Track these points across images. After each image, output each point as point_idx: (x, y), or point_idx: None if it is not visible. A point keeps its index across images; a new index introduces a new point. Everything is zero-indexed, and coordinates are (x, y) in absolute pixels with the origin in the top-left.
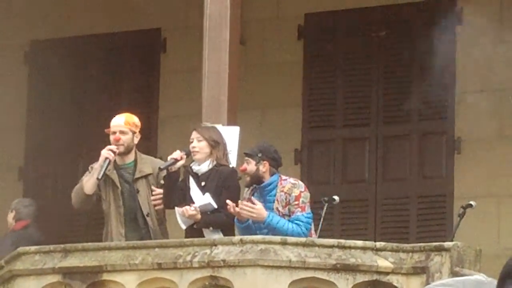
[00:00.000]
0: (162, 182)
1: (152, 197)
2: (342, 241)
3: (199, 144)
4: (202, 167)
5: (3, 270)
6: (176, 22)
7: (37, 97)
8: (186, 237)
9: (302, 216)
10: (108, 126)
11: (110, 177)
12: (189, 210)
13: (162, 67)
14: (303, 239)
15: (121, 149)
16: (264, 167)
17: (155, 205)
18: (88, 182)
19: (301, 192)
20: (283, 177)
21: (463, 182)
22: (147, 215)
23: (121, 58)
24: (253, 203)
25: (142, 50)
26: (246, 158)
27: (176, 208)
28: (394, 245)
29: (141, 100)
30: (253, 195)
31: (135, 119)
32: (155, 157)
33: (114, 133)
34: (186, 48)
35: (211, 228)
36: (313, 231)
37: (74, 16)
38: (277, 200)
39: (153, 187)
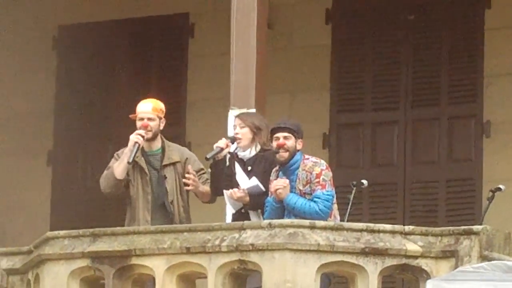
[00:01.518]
0: (209, 170)
1: (187, 177)
2: (371, 225)
3: (242, 131)
4: (247, 153)
5: (32, 255)
6: (204, 6)
7: (66, 82)
8: (233, 221)
9: (321, 194)
10: (134, 112)
11: (139, 163)
12: (237, 192)
13: (190, 52)
14: (331, 223)
15: (149, 135)
16: (299, 145)
17: (186, 184)
18: (119, 167)
19: (322, 170)
20: (306, 156)
21: (492, 165)
22: (171, 202)
23: (149, 43)
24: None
25: (170, 35)
26: (285, 133)
27: (224, 191)
28: (423, 229)
29: (169, 85)
30: (278, 174)
31: (161, 105)
32: (184, 141)
33: (142, 119)
34: (214, 33)
35: (259, 211)
36: (336, 212)
37: (102, 0)
38: (299, 178)
39: (189, 168)
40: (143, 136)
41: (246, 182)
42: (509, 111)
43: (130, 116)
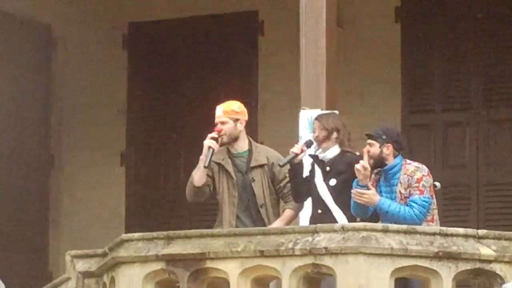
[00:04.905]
0: (287, 176)
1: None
2: (444, 228)
3: (321, 133)
4: (327, 154)
5: (107, 258)
6: (273, 4)
7: (137, 81)
8: (311, 223)
9: (418, 199)
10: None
11: (224, 167)
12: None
13: (260, 50)
14: (404, 227)
15: (225, 138)
16: (388, 150)
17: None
18: (196, 174)
19: (423, 175)
20: (408, 161)
21: None
22: (261, 206)
23: (219, 41)
24: (369, 188)
25: (240, 33)
26: (369, 140)
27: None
28: (496, 233)
29: (239, 83)
30: (379, 179)
31: (233, 107)
32: (256, 141)
33: (216, 123)
34: (283, 31)
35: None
36: (435, 218)
37: None
38: (400, 182)
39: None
40: (216, 139)
41: (323, 186)
42: None
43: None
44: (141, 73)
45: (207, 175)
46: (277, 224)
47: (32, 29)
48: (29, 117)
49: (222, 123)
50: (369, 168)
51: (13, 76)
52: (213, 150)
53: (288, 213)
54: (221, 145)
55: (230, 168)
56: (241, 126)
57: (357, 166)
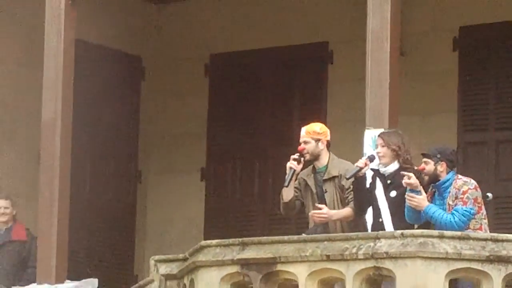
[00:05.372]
0: (351, 187)
1: (314, 213)
2: (495, 234)
3: (383, 150)
4: (388, 168)
5: (187, 262)
6: (342, 35)
7: (217, 106)
8: (372, 230)
9: (460, 209)
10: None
11: (307, 182)
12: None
13: (330, 77)
14: (458, 233)
15: (307, 157)
16: (441, 167)
17: (314, 220)
18: (283, 191)
19: (469, 188)
20: (459, 176)
21: None
22: None
23: (292, 70)
24: (421, 194)
25: (311, 62)
26: (425, 159)
27: None
28: None
29: (311, 108)
30: (434, 193)
31: (315, 128)
32: None
33: (300, 143)
34: (351, 60)
35: None
36: (484, 227)
37: (248, 30)
38: (451, 195)
39: (317, 205)
40: (298, 160)
41: (383, 197)
42: None
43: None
44: (220, 98)
45: (298, 189)
46: (334, 214)
47: (124, 60)
48: (120, 138)
49: (305, 142)
50: (415, 179)
51: (107, 101)
52: (294, 170)
53: (347, 210)
54: (305, 162)
55: (311, 182)
56: (322, 145)
57: (411, 175)
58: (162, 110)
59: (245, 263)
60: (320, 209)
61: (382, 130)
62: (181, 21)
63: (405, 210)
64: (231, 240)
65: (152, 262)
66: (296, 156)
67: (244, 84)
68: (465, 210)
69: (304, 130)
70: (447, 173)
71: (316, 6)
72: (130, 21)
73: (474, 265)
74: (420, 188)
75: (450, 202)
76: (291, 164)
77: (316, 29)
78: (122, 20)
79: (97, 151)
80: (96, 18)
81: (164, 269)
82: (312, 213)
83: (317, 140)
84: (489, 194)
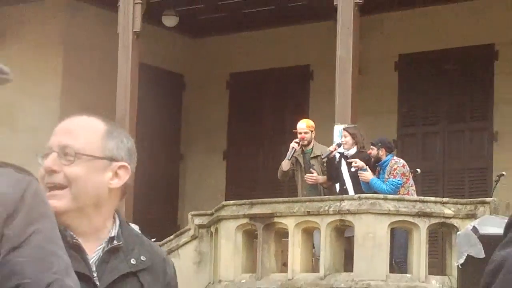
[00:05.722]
0: (324, 164)
1: (307, 176)
2: (422, 197)
3: (346, 139)
4: (350, 152)
5: (213, 216)
6: (319, 60)
7: (234, 110)
8: (339, 194)
9: (391, 180)
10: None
11: (299, 159)
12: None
13: (311, 90)
14: (397, 196)
15: (305, 142)
16: (382, 152)
17: (309, 181)
18: (284, 163)
19: (398, 166)
20: (395, 158)
21: None
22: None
23: (285, 83)
24: (367, 171)
25: (298, 79)
26: (372, 146)
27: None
28: (454, 200)
29: (298, 111)
30: (379, 171)
31: (311, 123)
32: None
33: (300, 133)
34: (326, 77)
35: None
36: (411, 193)
37: (253, 57)
38: (387, 171)
39: (312, 170)
40: (298, 144)
41: (346, 171)
42: None
43: (294, 130)
44: (236, 104)
45: (292, 164)
46: (320, 178)
47: (171, 77)
48: (168, 130)
49: (305, 133)
50: (360, 162)
51: (160, 105)
52: (295, 149)
53: (324, 177)
54: (301, 146)
55: (301, 160)
56: (313, 135)
57: (357, 161)
58: (196, 112)
59: (253, 217)
60: (312, 173)
61: (346, 125)
62: (210, 50)
63: (361, 182)
64: (243, 201)
65: (189, 216)
66: (297, 140)
67: (254, 93)
68: (394, 181)
69: (304, 124)
70: (386, 156)
71: (300, 36)
72: (174, 49)
73: (408, 219)
74: (366, 167)
75: (386, 176)
76: (294, 144)
77: (300, 55)
78: (168, 48)
79: (153, 139)
80: (151, 47)
81: (197, 220)
82: (307, 176)
83: (312, 131)
84: (418, 170)
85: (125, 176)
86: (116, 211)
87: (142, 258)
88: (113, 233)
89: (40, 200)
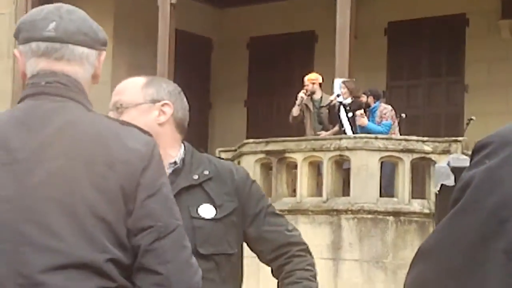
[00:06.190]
0: (327, 111)
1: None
2: (406, 136)
3: (344, 90)
4: (347, 101)
5: (236, 151)
6: (324, 26)
7: (253, 67)
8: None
9: (384, 122)
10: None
11: (308, 106)
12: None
13: (316, 52)
14: (386, 136)
15: (308, 92)
16: (371, 99)
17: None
18: (294, 109)
19: (387, 111)
20: (383, 104)
21: None
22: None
23: (292, 46)
24: (363, 117)
25: (304, 42)
26: (363, 95)
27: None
28: (432, 138)
29: (305, 72)
30: (369, 116)
31: (313, 76)
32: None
33: (306, 85)
34: (330, 41)
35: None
36: (396, 132)
37: (270, 24)
38: (377, 115)
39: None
40: (305, 93)
41: (344, 116)
42: None
43: (305, 80)
44: (254, 63)
45: (300, 109)
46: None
47: (201, 40)
48: (200, 83)
49: (309, 84)
50: (364, 116)
51: (194, 64)
52: (303, 98)
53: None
54: (309, 95)
55: (311, 106)
56: (316, 87)
57: (359, 115)
58: (222, 69)
59: (268, 152)
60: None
61: (344, 79)
62: (233, 18)
63: (358, 127)
64: (261, 140)
65: (217, 152)
66: (304, 90)
67: (269, 54)
68: (387, 123)
69: (307, 78)
70: (374, 102)
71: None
72: (205, 17)
73: (394, 154)
74: (364, 116)
75: (378, 119)
76: (302, 93)
77: (307, 22)
78: (200, 17)
79: (187, 92)
80: (186, 16)
81: (224, 155)
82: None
83: (314, 84)
84: (403, 114)
85: (169, 111)
86: (183, 142)
87: (205, 172)
88: (176, 159)
89: (161, 158)
